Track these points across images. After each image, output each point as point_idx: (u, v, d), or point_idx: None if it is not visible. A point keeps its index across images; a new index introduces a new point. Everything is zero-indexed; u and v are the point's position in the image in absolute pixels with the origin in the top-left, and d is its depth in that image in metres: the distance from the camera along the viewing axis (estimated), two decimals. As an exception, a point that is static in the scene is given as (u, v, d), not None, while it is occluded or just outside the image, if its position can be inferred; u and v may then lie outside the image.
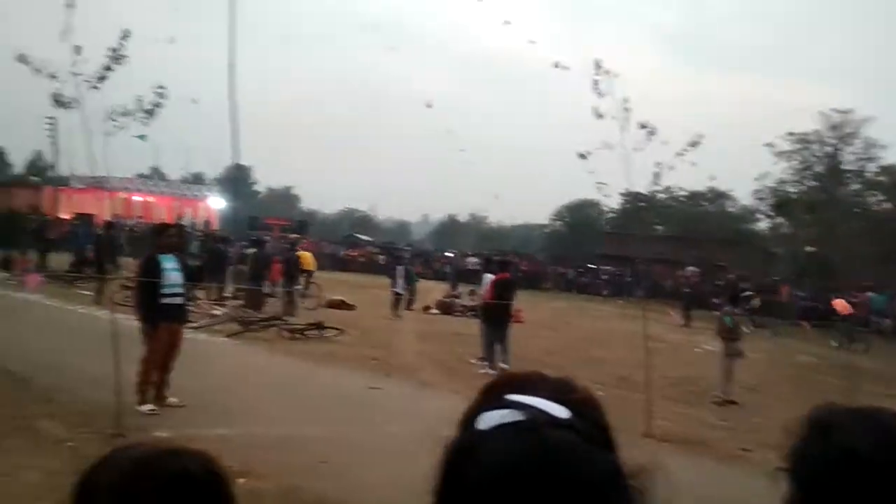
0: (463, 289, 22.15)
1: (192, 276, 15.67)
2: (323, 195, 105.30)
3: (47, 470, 5.08)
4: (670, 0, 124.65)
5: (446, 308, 20.34)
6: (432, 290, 22.91)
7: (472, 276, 22.08)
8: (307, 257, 19.90)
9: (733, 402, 10.03)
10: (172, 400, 7.44)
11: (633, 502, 0.71)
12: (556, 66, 9.93)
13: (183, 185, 54.46)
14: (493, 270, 12.44)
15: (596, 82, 7.37)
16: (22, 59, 6.02)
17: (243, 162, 56.59)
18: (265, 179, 79.19)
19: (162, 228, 8.37)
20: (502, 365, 10.50)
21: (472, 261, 32.26)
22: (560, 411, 0.74)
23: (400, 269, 18.93)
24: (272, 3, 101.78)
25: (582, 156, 7.83)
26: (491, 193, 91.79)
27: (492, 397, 0.77)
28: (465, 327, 14.50)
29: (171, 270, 7.46)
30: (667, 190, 45.03)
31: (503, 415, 0.72)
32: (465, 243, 56.90)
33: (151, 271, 7.39)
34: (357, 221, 75.31)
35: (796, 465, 0.96)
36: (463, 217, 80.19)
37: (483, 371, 10.51)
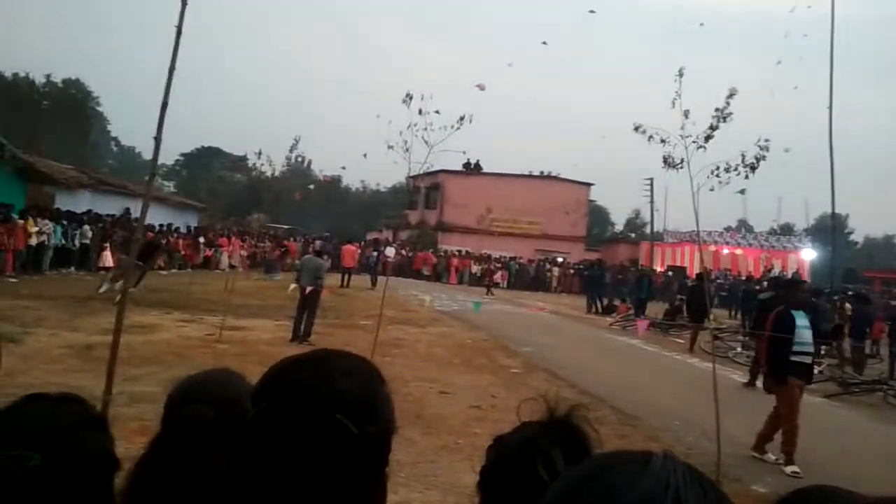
0: None
1: (822, 335, 15.18)
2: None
3: None
4: None
5: None
6: None
7: None
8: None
9: None
10: (769, 456, 7.30)
11: None
12: None
13: (771, 236, 53.29)
14: None
15: None
16: (638, 127, 6.83)
17: (838, 210, 52.44)
18: (863, 228, 71.67)
19: (794, 283, 8.37)
20: None
21: None
22: None
23: None
24: (871, 41, 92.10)
25: None
26: None
27: None
28: None
29: (803, 328, 7.45)
30: None
31: None
32: None
33: (785, 326, 7.46)
34: None
35: None
36: None
37: None
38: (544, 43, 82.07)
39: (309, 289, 12.13)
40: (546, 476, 1.05)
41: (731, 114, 6.54)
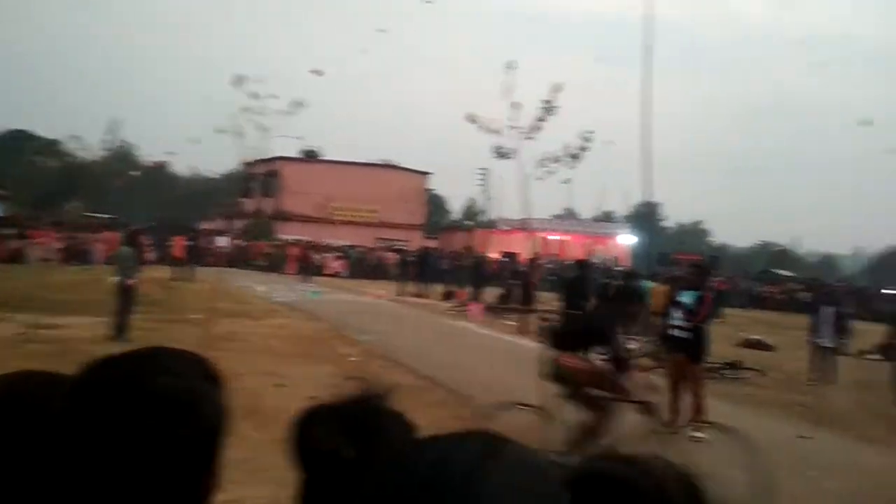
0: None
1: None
2: (734, 229, 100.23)
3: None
4: None
5: (889, 353, 17.49)
6: (868, 333, 19.96)
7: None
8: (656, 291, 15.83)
9: None
10: (695, 434, 7.63)
11: None
12: None
13: (595, 223, 56.92)
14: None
15: None
16: (471, 118, 7.03)
17: (653, 198, 56.99)
18: (675, 215, 78.34)
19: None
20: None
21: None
22: None
23: (827, 312, 13.62)
24: (683, 38, 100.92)
25: None
26: (946, 220, 76.84)
27: None
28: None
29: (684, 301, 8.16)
30: None
31: None
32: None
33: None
34: (774, 256, 69.64)
35: None
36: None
37: None
38: (381, 31, 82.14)
39: (128, 281, 11.48)
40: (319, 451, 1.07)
41: (557, 107, 6.90)
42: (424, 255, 30.96)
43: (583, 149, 6.98)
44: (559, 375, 6.36)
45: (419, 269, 28.92)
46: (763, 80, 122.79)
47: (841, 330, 14.03)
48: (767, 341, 17.34)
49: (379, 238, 45.53)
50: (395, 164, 52.84)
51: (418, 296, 26.30)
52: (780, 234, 79.31)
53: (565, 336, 6.90)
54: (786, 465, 7.13)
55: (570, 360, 6.33)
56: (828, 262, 75.70)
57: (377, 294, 25.57)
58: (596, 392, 6.29)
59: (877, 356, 17.40)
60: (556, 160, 6.83)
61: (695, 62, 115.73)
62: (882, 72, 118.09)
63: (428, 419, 7.50)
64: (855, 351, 17.75)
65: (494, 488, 0.58)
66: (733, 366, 12.77)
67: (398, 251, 39.84)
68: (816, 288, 15.34)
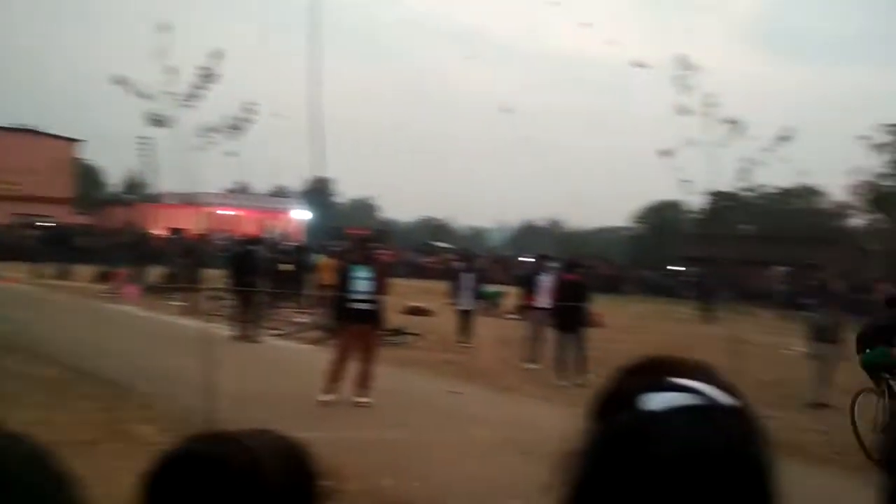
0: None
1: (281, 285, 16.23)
2: (402, 205, 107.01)
3: (140, 472, 5.34)
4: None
5: (523, 312, 20.19)
6: (510, 295, 22.84)
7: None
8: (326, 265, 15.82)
9: (826, 406, 9.61)
10: (362, 400, 8.14)
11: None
12: (636, 65, 9.82)
13: (268, 198, 56.23)
14: (552, 270, 12.76)
15: (678, 77, 7.20)
16: (118, 80, 6.36)
17: (326, 174, 58.03)
18: (347, 191, 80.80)
19: (362, 241, 9.71)
20: (579, 371, 10.44)
21: (553, 265, 31.89)
22: (727, 399, 0.72)
23: (467, 279, 14.54)
24: (352, 14, 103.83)
25: (664, 153, 7.66)
26: (570, 197, 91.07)
27: (652, 379, 0.74)
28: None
29: (360, 280, 8.30)
30: (755, 187, 43.45)
31: (676, 397, 0.70)
32: (544, 249, 56.45)
33: (344, 279, 8.43)
34: (435, 229, 75.86)
35: (889, 456, 0.94)
36: (542, 222, 79.70)
37: (528, 368, 11.31)
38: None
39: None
40: None
41: (218, 74, 6.55)
42: (63, 232, 27.76)
43: (245, 120, 6.72)
44: None
45: (61, 248, 25.92)
46: (425, 65, 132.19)
47: (481, 294, 15.54)
48: (427, 307, 18.82)
49: (17, 213, 39.58)
50: (37, 129, 46.28)
51: (61, 278, 23.59)
52: (439, 209, 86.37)
53: None
54: (437, 417, 7.85)
55: None
56: (478, 234, 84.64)
57: (14, 279, 22.25)
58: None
59: (515, 316, 20.02)
60: (218, 131, 6.48)
61: (362, 41, 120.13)
62: (519, 66, 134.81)
63: (73, 413, 6.76)
64: (499, 312, 20.19)
65: None
66: (398, 332, 13.65)
67: (40, 228, 35.12)
68: (466, 258, 16.93)
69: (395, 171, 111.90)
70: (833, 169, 57.28)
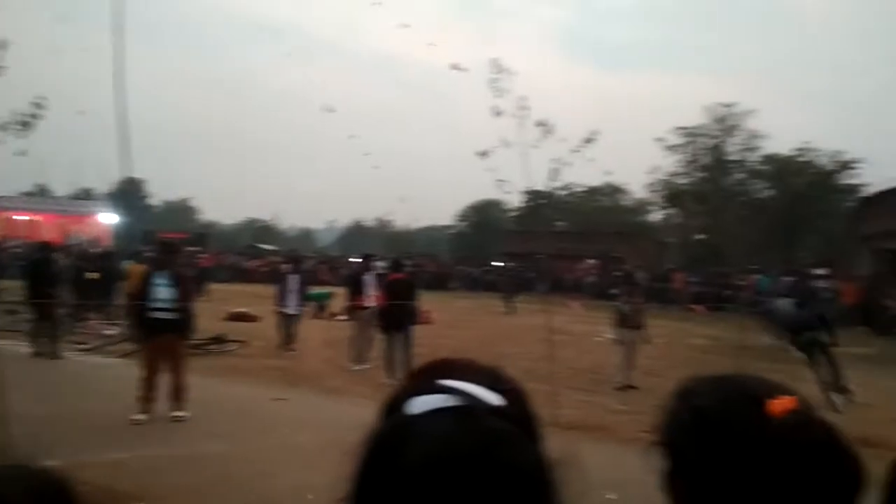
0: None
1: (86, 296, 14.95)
2: (223, 206, 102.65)
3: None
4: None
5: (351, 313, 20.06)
6: (339, 296, 22.64)
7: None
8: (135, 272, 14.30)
9: (633, 387, 10.40)
10: (178, 414, 7.63)
11: (556, 493, 0.71)
12: (455, 67, 10.05)
13: (71, 201, 51.70)
14: (379, 269, 12.99)
15: (493, 81, 7.46)
16: None
17: (136, 175, 54.23)
18: (161, 193, 76.04)
19: (166, 248, 8.65)
20: (407, 369, 10.53)
21: (380, 264, 32.01)
22: (494, 398, 0.72)
23: (294, 281, 13.97)
24: (161, 9, 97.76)
25: (482, 154, 7.92)
26: (397, 197, 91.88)
27: (421, 383, 0.74)
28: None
29: (161, 286, 7.68)
30: (565, 186, 46.22)
31: (437, 399, 0.70)
32: (372, 248, 56.59)
33: (146, 287, 7.75)
34: (259, 231, 73.59)
35: (663, 433, 0.99)
36: (369, 222, 79.84)
37: (356, 369, 11.38)
38: None
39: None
40: None
41: (3, 67, 5.90)
42: None
43: (34, 116, 6.09)
44: None
45: None
46: (243, 64, 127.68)
47: (305, 297, 15.00)
48: (252, 312, 18.16)
49: None
50: None
51: None
52: (264, 211, 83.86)
53: None
54: (261, 426, 7.57)
55: None
56: (306, 235, 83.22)
57: None
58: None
59: (343, 317, 19.84)
60: (4, 129, 5.83)
61: (173, 36, 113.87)
62: (341, 65, 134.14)
63: None
64: (327, 314, 19.93)
65: None
66: (218, 339, 13.05)
67: None
68: (292, 259, 16.49)
69: (215, 172, 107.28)
70: (634, 168, 62.21)
